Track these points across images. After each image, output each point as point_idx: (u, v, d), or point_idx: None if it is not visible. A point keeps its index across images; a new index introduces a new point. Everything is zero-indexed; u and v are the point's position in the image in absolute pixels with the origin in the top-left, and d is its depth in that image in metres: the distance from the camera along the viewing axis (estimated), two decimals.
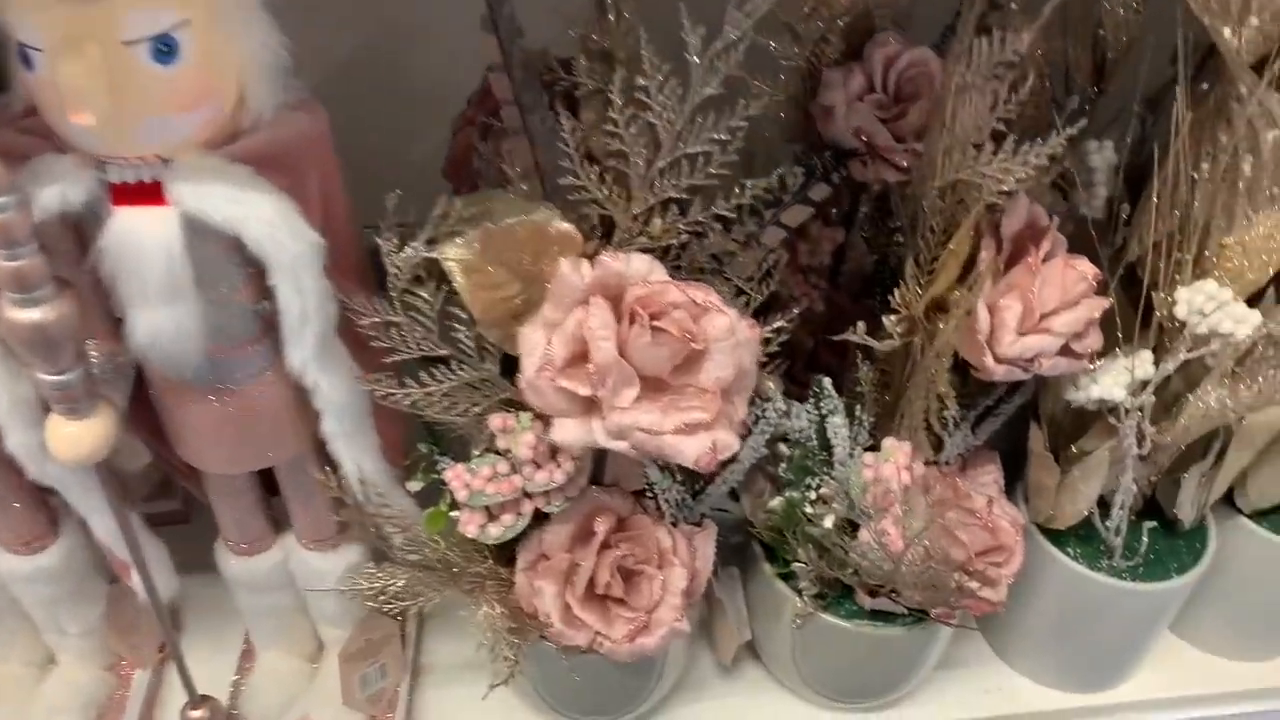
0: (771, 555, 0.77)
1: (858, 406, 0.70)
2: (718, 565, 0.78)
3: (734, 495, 0.76)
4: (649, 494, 0.71)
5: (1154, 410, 0.68)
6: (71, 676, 0.79)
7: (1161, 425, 0.67)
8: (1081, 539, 0.79)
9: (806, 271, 0.79)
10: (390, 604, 0.65)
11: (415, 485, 0.68)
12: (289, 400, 0.60)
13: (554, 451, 0.65)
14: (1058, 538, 0.78)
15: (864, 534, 0.66)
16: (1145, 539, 0.76)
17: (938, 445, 0.74)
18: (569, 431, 0.58)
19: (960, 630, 0.88)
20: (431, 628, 0.89)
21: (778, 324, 0.65)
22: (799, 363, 0.82)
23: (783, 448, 0.71)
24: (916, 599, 0.70)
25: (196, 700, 0.73)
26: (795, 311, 0.64)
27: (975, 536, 0.72)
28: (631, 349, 0.55)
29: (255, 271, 0.54)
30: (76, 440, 0.54)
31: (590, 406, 0.58)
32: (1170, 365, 0.64)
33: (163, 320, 0.51)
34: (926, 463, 0.76)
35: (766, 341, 0.65)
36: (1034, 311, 0.61)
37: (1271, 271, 0.64)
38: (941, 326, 0.62)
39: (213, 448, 0.62)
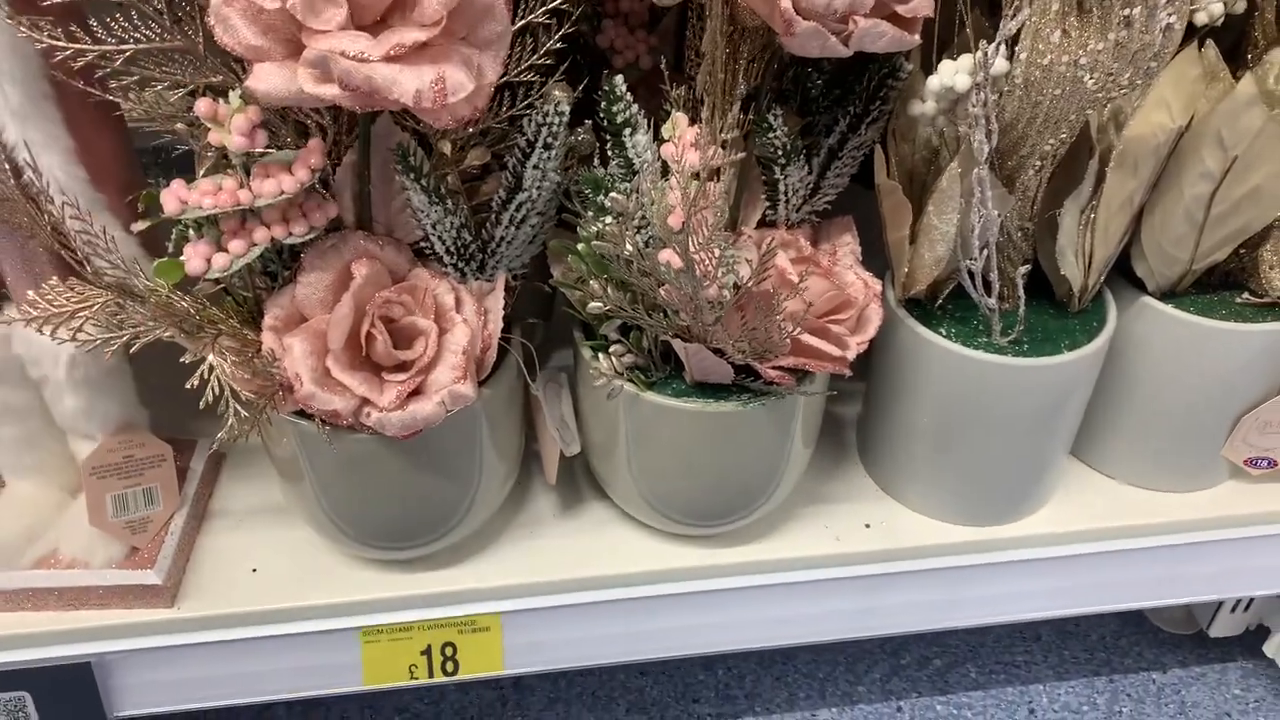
0: (590, 334, 0.66)
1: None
2: (536, 367, 0.68)
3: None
4: (425, 246, 0.61)
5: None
6: None
7: (1006, 104, 0.56)
8: (957, 319, 0.68)
9: (630, 22, 0.69)
10: (94, 337, 0.53)
11: (141, 225, 0.57)
12: None
13: (289, 167, 0.54)
14: (928, 320, 0.67)
15: (664, 254, 0.55)
16: (1028, 313, 0.66)
17: (774, 196, 0.64)
18: (267, 78, 0.47)
19: (830, 458, 0.78)
20: (230, 472, 0.77)
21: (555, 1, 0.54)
22: None
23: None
24: (740, 351, 0.59)
25: None
26: None
27: (816, 287, 0.61)
28: None
29: None
30: None
31: (296, 49, 0.47)
32: (1020, 15, 0.53)
33: None
34: (763, 223, 0.66)
35: (545, 30, 0.55)
36: None
37: None
38: None
39: None
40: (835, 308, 0.62)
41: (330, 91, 0.47)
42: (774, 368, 0.60)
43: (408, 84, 0.46)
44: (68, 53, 0.49)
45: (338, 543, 0.70)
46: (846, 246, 0.67)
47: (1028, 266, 0.64)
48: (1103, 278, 0.68)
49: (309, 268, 0.59)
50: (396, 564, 0.71)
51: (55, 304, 0.52)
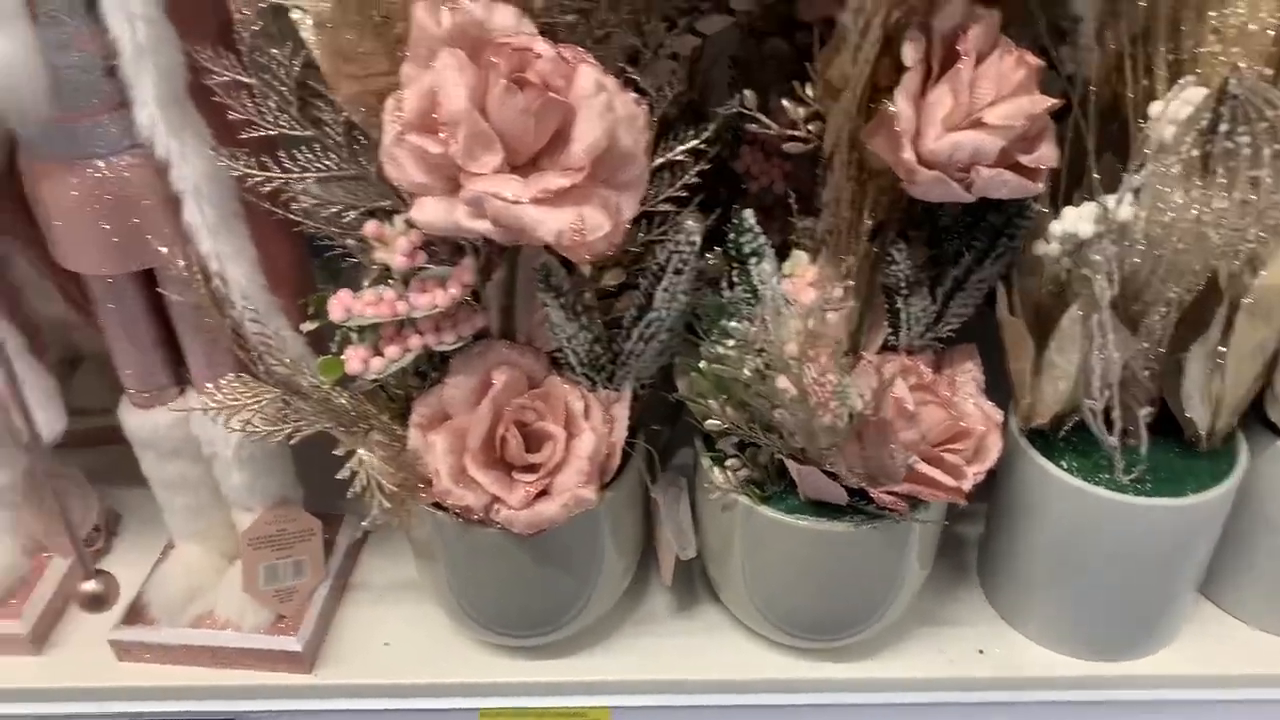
0: (710, 443, 0.69)
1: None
2: (658, 472, 0.71)
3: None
4: (559, 356, 0.65)
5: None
6: None
7: (1129, 255, 0.57)
8: (1079, 452, 0.68)
9: (766, 148, 0.72)
10: (261, 429, 0.59)
11: (309, 326, 0.64)
12: (156, 185, 0.57)
13: (443, 283, 0.60)
14: (1050, 451, 0.68)
15: (781, 381, 0.57)
16: (1154, 453, 0.65)
17: (896, 323, 0.66)
18: (428, 210, 0.53)
19: (948, 579, 0.78)
20: (372, 549, 0.83)
21: (693, 142, 0.59)
22: None
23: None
24: (855, 474, 0.61)
25: (91, 572, 0.69)
26: (715, 122, 0.59)
27: (933, 416, 0.62)
28: (491, 106, 0.51)
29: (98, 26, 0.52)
30: None
31: (455, 185, 0.53)
32: (1143, 172, 0.54)
33: None
34: (885, 348, 0.68)
35: (681, 166, 0.60)
36: (966, 107, 0.53)
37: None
38: (837, 108, 0.54)
39: (81, 242, 0.59)
40: (952, 436, 0.64)
41: (483, 226, 0.52)
42: (888, 493, 0.62)
43: (551, 224, 0.51)
44: (259, 179, 0.56)
45: (464, 625, 0.74)
46: (968, 374, 0.69)
47: (1152, 409, 0.64)
48: (1234, 420, 0.67)
49: (456, 371, 0.64)
50: (517, 649, 0.74)
51: (230, 398, 0.58)
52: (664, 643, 0.75)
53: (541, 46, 0.51)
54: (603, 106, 0.51)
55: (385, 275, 0.62)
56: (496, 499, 0.62)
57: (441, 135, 0.51)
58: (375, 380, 0.63)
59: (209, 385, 0.59)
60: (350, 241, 0.61)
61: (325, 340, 0.65)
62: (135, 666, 0.73)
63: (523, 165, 0.53)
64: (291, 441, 0.60)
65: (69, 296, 0.67)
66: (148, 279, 0.64)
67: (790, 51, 0.72)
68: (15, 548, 0.76)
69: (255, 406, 0.59)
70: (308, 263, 0.66)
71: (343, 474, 0.60)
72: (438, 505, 0.65)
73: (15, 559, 0.76)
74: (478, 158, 0.51)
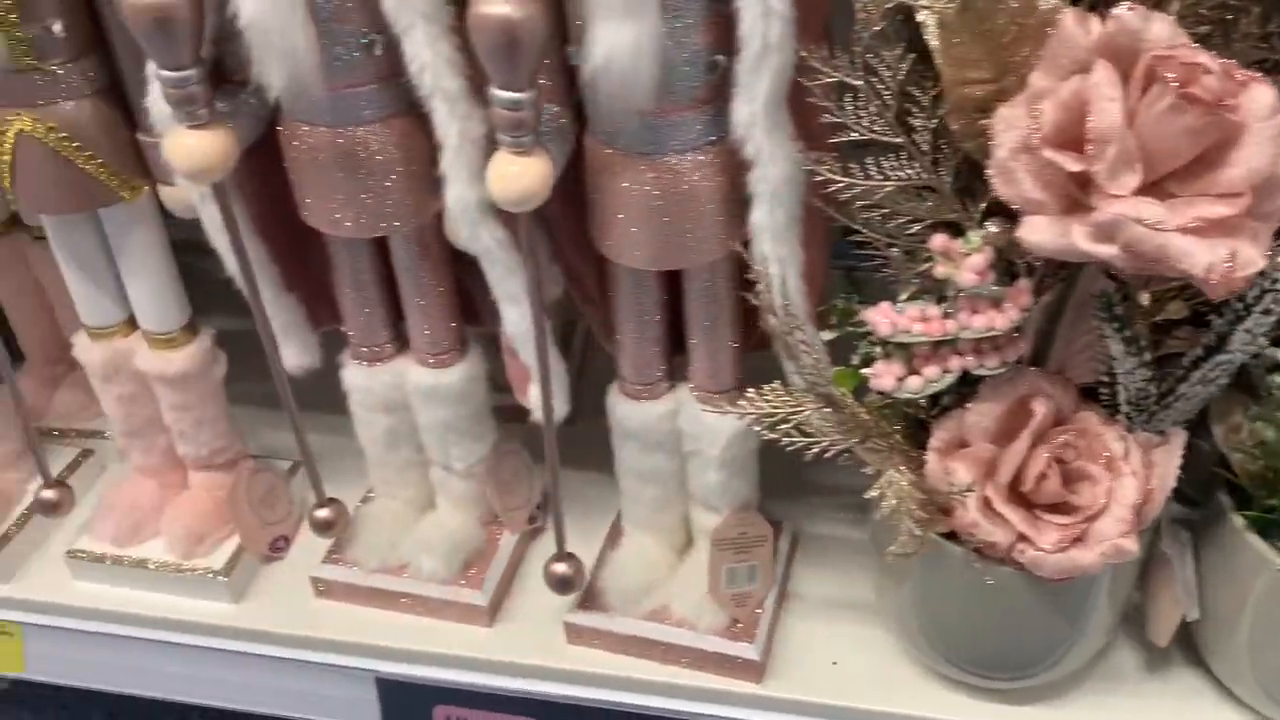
0: (1245, 502, 0.62)
1: None
2: (1164, 517, 0.65)
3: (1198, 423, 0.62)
4: (1102, 391, 0.60)
5: None
6: (446, 520, 0.78)
7: None
8: None
9: None
10: (787, 437, 0.57)
11: (828, 335, 0.62)
12: (722, 185, 0.56)
13: (997, 304, 0.56)
14: None
15: None
16: None
17: None
18: (1039, 230, 0.49)
19: None
20: (800, 557, 0.80)
21: None
22: None
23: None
24: None
25: (563, 555, 0.70)
26: None
27: None
28: (1142, 122, 0.46)
29: (720, 17, 0.51)
30: (517, 177, 0.52)
31: (1072, 204, 0.49)
32: None
33: (623, 36, 0.49)
34: None
35: None
36: None
37: None
38: None
39: (637, 237, 0.58)
40: None
41: (1106, 251, 0.47)
42: None
43: (1201, 257, 0.46)
44: (840, 184, 0.54)
45: (919, 654, 0.71)
46: None
47: None
48: None
49: (984, 397, 0.60)
50: (975, 689, 0.70)
51: (771, 405, 0.57)
52: (1128, 704, 0.69)
53: (1206, 60, 0.46)
54: (1275, 130, 0.45)
55: (923, 291, 0.59)
56: (1023, 538, 0.58)
57: (1085, 152, 0.47)
58: (891, 399, 0.60)
59: (750, 391, 0.58)
60: (894, 252, 0.58)
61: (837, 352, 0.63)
62: (583, 651, 0.74)
63: (1149, 187, 0.48)
64: (826, 455, 0.58)
65: (579, 286, 0.68)
66: (670, 278, 0.63)
67: None
68: (475, 519, 0.78)
69: (797, 417, 0.57)
70: (829, 271, 0.64)
71: (873, 494, 0.58)
72: (946, 535, 0.61)
73: (476, 530, 0.78)
74: (1119, 178, 0.47)
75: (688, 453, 0.70)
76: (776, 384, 0.58)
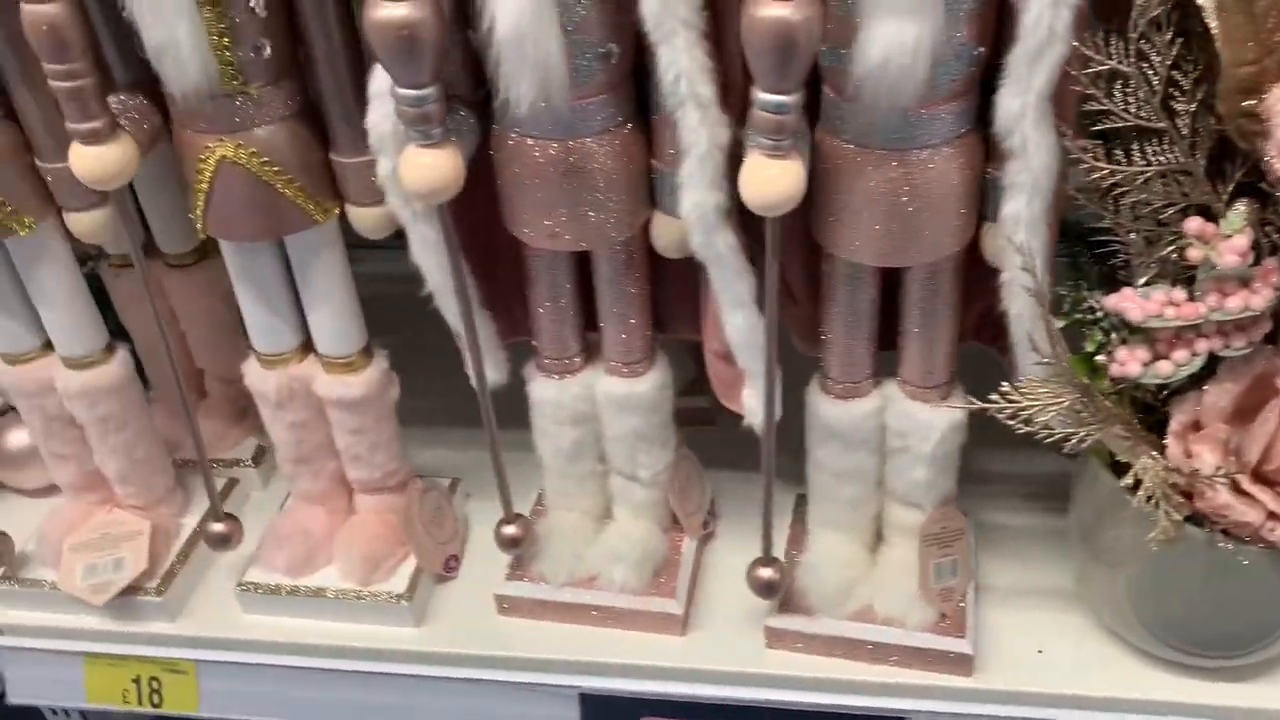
0: None
1: None
2: None
3: None
4: None
5: None
6: (630, 529, 0.77)
7: None
8: None
9: None
10: (1058, 431, 0.57)
11: (1060, 323, 0.61)
12: (968, 179, 0.56)
13: (1246, 283, 0.56)
14: None
15: None
16: None
17: None
18: None
19: None
20: (982, 549, 0.80)
21: None
22: None
23: None
24: None
25: (768, 559, 0.69)
26: None
27: None
28: None
29: (985, 8, 0.51)
30: (776, 180, 0.51)
31: None
32: None
33: (905, 35, 0.48)
34: None
35: None
36: None
37: None
38: None
39: (876, 234, 0.58)
40: None
41: None
42: None
43: None
44: (1104, 172, 0.54)
45: (1133, 637, 0.70)
46: None
47: None
48: None
49: (1222, 378, 0.60)
50: (1181, 667, 0.70)
51: (1029, 398, 0.56)
52: None
53: None
54: None
55: (1159, 276, 0.59)
56: (1273, 515, 0.58)
57: None
58: (1122, 385, 0.60)
59: (1005, 386, 0.58)
60: (1132, 236, 0.58)
61: None
62: (783, 654, 0.73)
63: None
64: (1083, 446, 0.57)
65: (792, 290, 0.67)
66: (884, 275, 0.63)
67: None
68: (658, 527, 0.78)
69: (1057, 409, 0.56)
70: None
71: (1125, 483, 0.58)
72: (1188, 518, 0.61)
73: (660, 538, 0.77)
74: None
75: (892, 449, 0.70)
76: (1020, 379, 0.58)
